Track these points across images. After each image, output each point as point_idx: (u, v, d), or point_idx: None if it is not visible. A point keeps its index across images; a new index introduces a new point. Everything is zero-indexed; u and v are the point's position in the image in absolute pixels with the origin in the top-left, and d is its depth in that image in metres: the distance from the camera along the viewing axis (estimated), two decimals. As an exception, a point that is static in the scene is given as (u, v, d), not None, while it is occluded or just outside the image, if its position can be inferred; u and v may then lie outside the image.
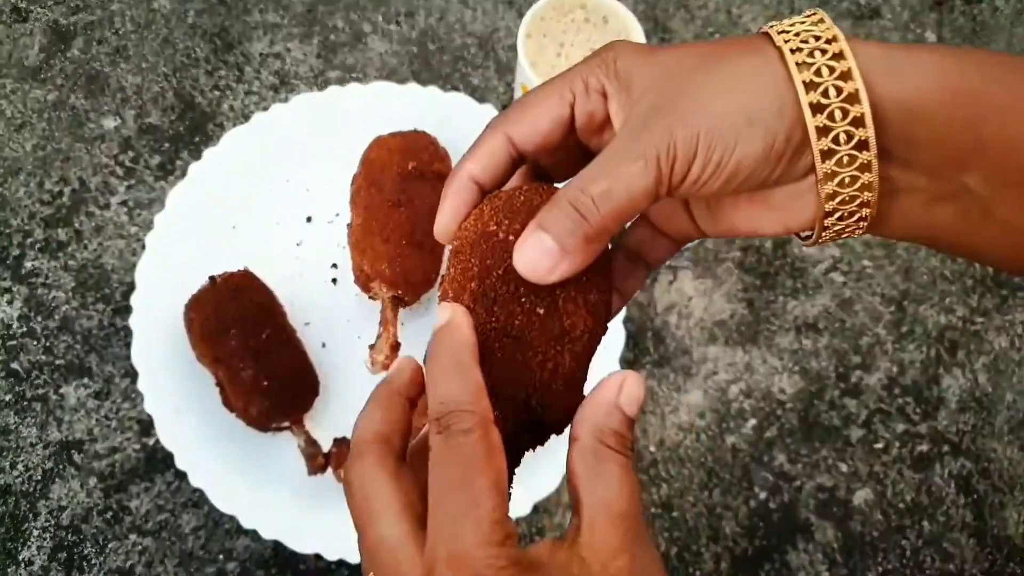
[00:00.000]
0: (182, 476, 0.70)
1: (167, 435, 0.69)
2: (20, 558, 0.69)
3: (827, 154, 0.32)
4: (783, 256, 0.81)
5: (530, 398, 0.35)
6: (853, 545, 0.74)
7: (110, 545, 0.70)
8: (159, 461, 0.72)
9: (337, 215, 0.78)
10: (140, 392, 0.70)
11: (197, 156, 0.77)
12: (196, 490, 0.69)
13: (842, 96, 0.31)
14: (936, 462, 0.76)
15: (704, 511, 0.74)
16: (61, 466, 0.72)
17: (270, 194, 0.78)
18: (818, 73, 0.31)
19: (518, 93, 0.78)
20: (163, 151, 0.81)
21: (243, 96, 0.83)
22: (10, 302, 0.76)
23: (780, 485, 0.75)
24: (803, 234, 0.37)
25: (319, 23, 0.85)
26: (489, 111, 0.79)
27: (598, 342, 0.35)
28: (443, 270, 0.74)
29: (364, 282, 0.71)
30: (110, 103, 0.82)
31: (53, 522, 0.71)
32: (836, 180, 0.32)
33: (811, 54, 0.31)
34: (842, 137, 0.31)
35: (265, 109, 0.79)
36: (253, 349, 0.67)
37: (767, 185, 0.34)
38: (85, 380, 0.74)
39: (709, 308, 0.79)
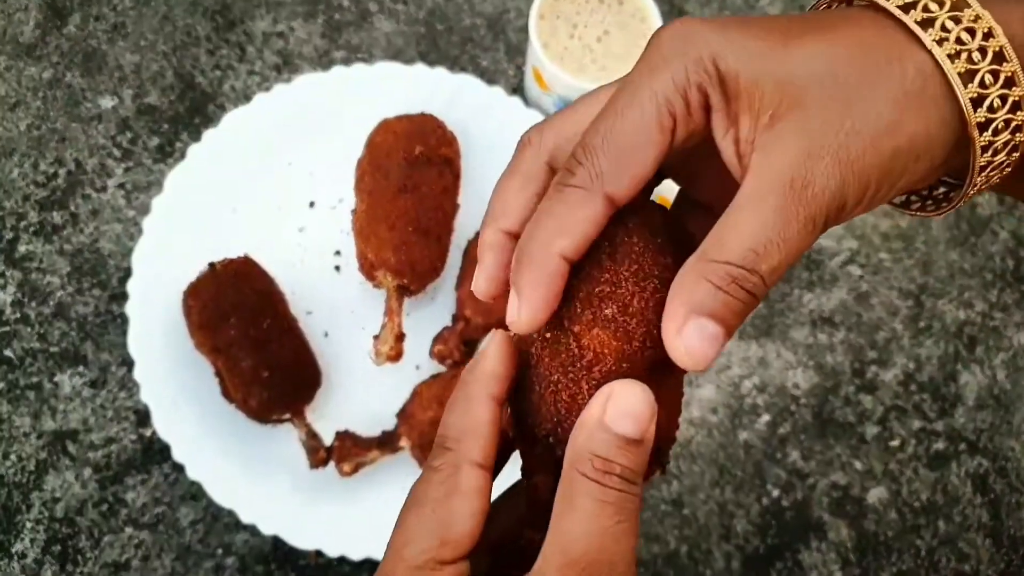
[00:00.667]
0: (179, 468, 0.68)
1: (164, 426, 0.67)
2: (13, 551, 0.68)
3: (983, 168, 0.29)
4: (799, 248, 0.79)
5: (548, 435, 0.31)
6: (867, 545, 0.72)
7: (105, 538, 0.68)
8: (156, 453, 0.70)
9: (341, 200, 0.75)
10: (136, 381, 0.68)
11: (197, 138, 0.75)
12: (194, 483, 0.67)
13: (1007, 107, 0.28)
14: (952, 460, 0.74)
15: (715, 508, 0.72)
16: (55, 457, 0.70)
17: (272, 178, 0.75)
18: (983, 84, 0.27)
19: (529, 76, 0.76)
20: (162, 132, 0.78)
21: (245, 76, 0.80)
22: (3, 287, 0.74)
23: (793, 483, 0.73)
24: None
25: (324, 1, 0.82)
26: (498, 93, 0.76)
27: (637, 364, 0.29)
28: (450, 258, 0.72)
29: (368, 270, 0.69)
30: (107, 82, 0.80)
31: (47, 514, 0.69)
32: (987, 170, 0.29)
33: (970, 58, 0.27)
34: (1000, 146, 0.28)
35: (267, 90, 0.76)
36: (253, 338, 0.65)
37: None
38: (80, 368, 0.72)
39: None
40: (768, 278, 0.27)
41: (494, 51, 0.82)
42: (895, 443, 0.75)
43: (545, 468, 0.32)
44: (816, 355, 0.76)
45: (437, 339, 0.70)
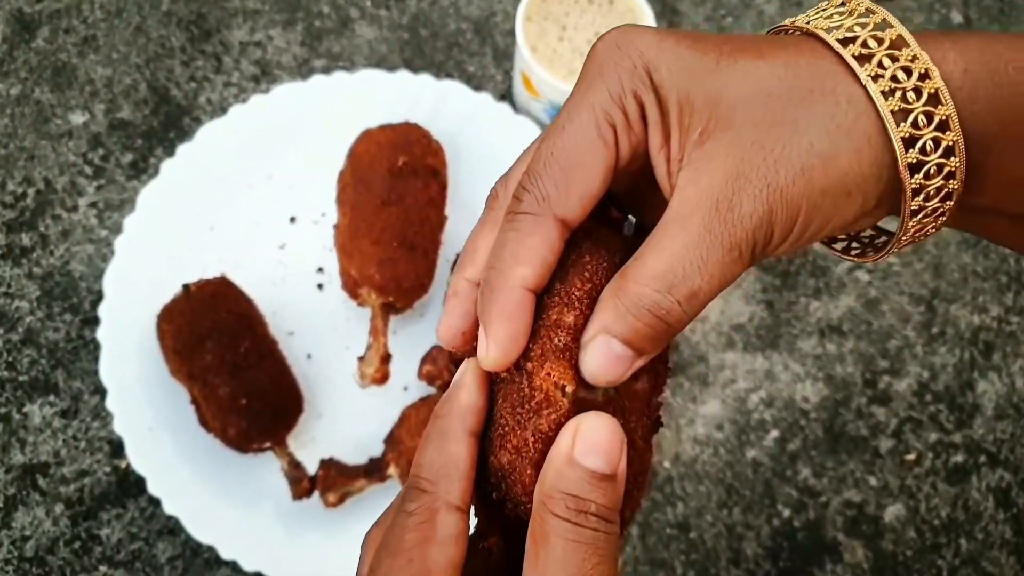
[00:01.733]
0: (156, 502, 0.64)
1: (139, 458, 0.63)
2: (-20, 593, 0.64)
3: (915, 212, 0.28)
4: (804, 254, 0.75)
5: (493, 490, 0.28)
6: (885, 565, 0.68)
7: (78, 578, 0.65)
8: (131, 485, 0.67)
9: (323, 215, 0.72)
10: (110, 411, 0.64)
11: (172, 153, 0.72)
12: (171, 517, 0.63)
13: (939, 151, 0.27)
14: (972, 474, 0.71)
15: (723, 531, 0.68)
16: (25, 492, 0.66)
17: (250, 193, 0.72)
18: (916, 125, 0.27)
19: (517, 81, 0.72)
20: (135, 148, 0.75)
21: (222, 88, 0.77)
22: (-30, 313, 0.70)
23: (805, 502, 0.69)
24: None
25: (303, 8, 0.79)
26: (486, 100, 0.73)
27: (591, 406, 0.27)
28: (438, 274, 0.69)
29: (352, 288, 0.65)
30: (78, 97, 0.76)
31: (16, 553, 0.65)
32: (921, 213, 0.28)
33: (904, 97, 0.27)
34: (932, 192, 0.28)
35: (244, 101, 0.73)
36: (231, 363, 0.61)
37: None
38: (51, 398, 0.69)
39: (726, 311, 0.73)
40: (686, 304, 0.26)
41: (481, 56, 0.79)
42: (911, 457, 0.71)
43: (498, 529, 0.29)
44: (825, 366, 0.73)
45: (426, 359, 0.66)
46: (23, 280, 0.71)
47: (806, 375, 0.72)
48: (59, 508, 0.66)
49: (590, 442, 0.26)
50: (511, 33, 0.79)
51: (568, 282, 0.27)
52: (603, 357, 0.26)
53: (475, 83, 0.78)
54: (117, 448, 0.67)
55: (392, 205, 0.65)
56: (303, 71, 0.77)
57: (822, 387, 0.72)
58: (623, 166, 0.28)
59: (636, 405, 0.28)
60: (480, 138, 0.72)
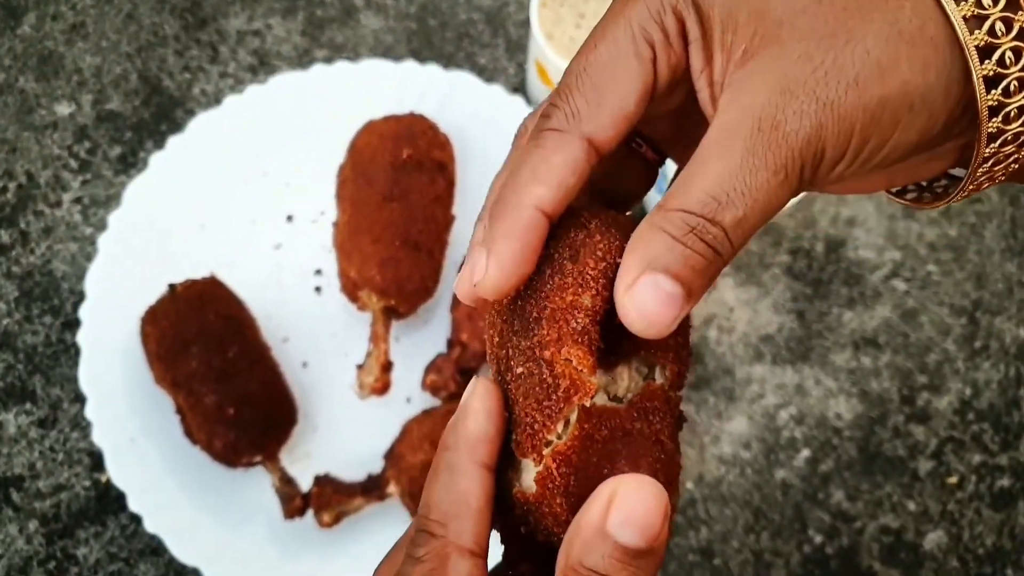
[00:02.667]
0: (137, 519, 0.59)
1: (119, 471, 0.59)
2: (-56, 618, 0.59)
3: (992, 137, 0.25)
4: (837, 261, 0.70)
5: (521, 521, 0.26)
6: (925, 598, 0.63)
7: (51, 602, 0.60)
8: (111, 501, 0.62)
9: (322, 213, 0.67)
10: (89, 420, 0.60)
11: (163, 146, 0.67)
12: (154, 536, 0.58)
13: (1021, 64, 0.24)
14: (1019, 499, 0.65)
15: (751, 558, 0.63)
16: (-4, 507, 0.62)
17: (244, 189, 0.67)
18: (993, 33, 0.24)
19: (531, 72, 0.68)
20: (124, 141, 0.71)
21: (217, 79, 0.73)
22: (-57, 314, 0.66)
23: (838, 527, 0.64)
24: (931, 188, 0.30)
25: (304, -4, 0.75)
26: (497, 92, 0.69)
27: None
28: (444, 276, 0.64)
29: (351, 290, 0.61)
30: (64, 87, 0.72)
31: (-16, 574, 0.60)
32: (999, 141, 0.25)
33: (979, 3, 0.24)
34: (1013, 113, 0.24)
35: (240, 92, 0.68)
36: (218, 370, 0.57)
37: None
38: (28, 405, 0.64)
39: (754, 321, 0.68)
40: (732, 232, 0.24)
41: (493, 48, 0.75)
42: (953, 480, 0.66)
43: (530, 556, 0.26)
44: (860, 381, 0.68)
45: (430, 368, 0.61)
46: (1, 280, 0.67)
47: (839, 390, 0.67)
48: (33, 525, 0.61)
49: (627, 511, 0.22)
50: (524, 24, 0.75)
51: (581, 262, 0.25)
52: (652, 297, 0.23)
53: (486, 76, 0.73)
54: (97, 461, 0.63)
55: (395, 201, 0.60)
56: (303, 62, 0.73)
57: (856, 403, 0.67)
58: (661, 90, 0.26)
59: (658, 404, 0.26)
60: (491, 133, 0.68)
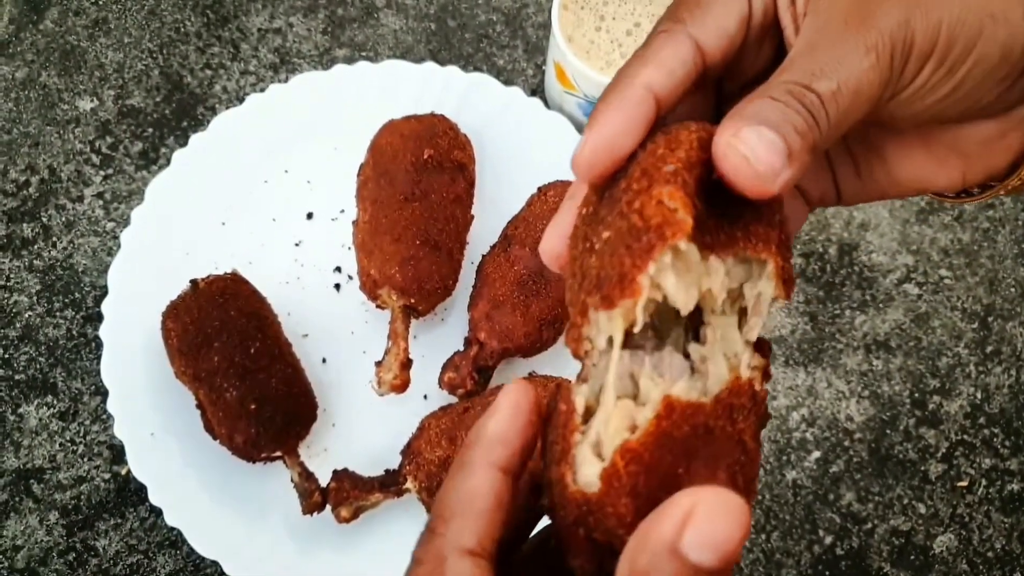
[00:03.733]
0: (157, 512, 0.60)
1: (140, 464, 0.59)
2: (-34, 606, 0.60)
3: None
4: (850, 264, 0.71)
5: (578, 521, 0.24)
6: (934, 600, 0.64)
7: (72, 592, 0.60)
8: (131, 494, 0.62)
9: (342, 211, 0.68)
10: (110, 413, 0.60)
11: (185, 143, 0.68)
12: (173, 529, 0.59)
13: None
14: (1028, 504, 0.66)
15: (761, 558, 0.64)
16: (17, 498, 0.62)
17: (265, 187, 0.68)
18: None
19: (551, 73, 0.68)
20: (145, 137, 0.71)
21: (238, 76, 0.73)
22: (-34, 307, 0.66)
23: (848, 528, 0.65)
24: (973, 191, 0.32)
25: (324, -5, 0.75)
26: (517, 94, 0.69)
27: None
28: (462, 275, 0.65)
29: (371, 288, 0.61)
30: (87, 82, 0.73)
31: (6, 564, 0.61)
32: None
33: None
34: None
35: (262, 90, 0.69)
36: (240, 366, 0.57)
37: (981, 112, 0.28)
38: (49, 398, 0.65)
39: (767, 323, 0.69)
40: (827, 102, 0.24)
41: (511, 49, 0.75)
42: (963, 483, 0.66)
43: (585, 552, 0.25)
44: (871, 384, 0.68)
45: (447, 366, 0.62)
46: (23, 273, 0.67)
47: (851, 393, 0.68)
48: (54, 516, 0.62)
49: (707, 533, 0.20)
50: (544, 26, 0.75)
51: (673, 133, 0.25)
52: (757, 143, 0.23)
53: (505, 77, 0.74)
54: (117, 453, 0.63)
55: (415, 201, 0.61)
56: (324, 61, 0.74)
57: (868, 406, 0.68)
58: (755, 27, 0.27)
59: (744, 401, 0.24)
60: (510, 135, 0.68)
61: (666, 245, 0.23)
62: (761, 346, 0.28)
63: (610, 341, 0.25)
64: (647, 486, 0.23)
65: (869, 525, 0.65)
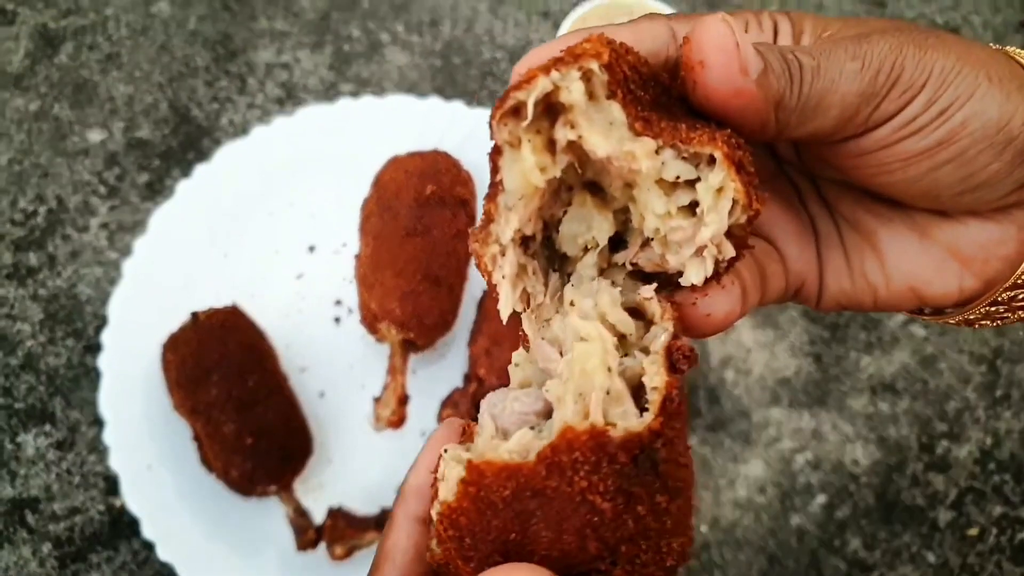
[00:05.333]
0: (150, 546, 0.59)
1: (134, 497, 0.59)
2: (-45, 639, 0.59)
3: None
4: (856, 304, 0.70)
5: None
6: (943, 652, 0.62)
7: (61, 626, 0.60)
8: (125, 526, 0.62)
9: (344, 245, 0.68)
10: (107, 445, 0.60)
11: (189, 175, 0.68)
12: (165, 564, 0.58)
13: None
14: (1040, 553, 0.64)
15: (764, 605, 0.62)
16: (11, 528, 0.62)
17: (269, 219, 0.68)
18: None
19: (554, 111, 0.68)
20: (152, 168, 0.72)
21: (245, 109, 0.74)
22: (-31, 335, 0.67)
23: (854, 575, 0.63)
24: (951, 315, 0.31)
25: (332, 32, 0.76)
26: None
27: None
28: (463, 311, 0.64)
29: (371, 322, 0.61)
30: (97, 114, 0.73)
31: (-3, 596, 0.60)
32: None
33: None
34: None
35: (267, 123, 0.70)
36: (237, 399, 0.57)
37: (974, 185, 0.27)
38: (47, 427, 0.64)
39: (771, 363, 0.68)
40: (805, 70, 0.26)
41: (516, 86, 0.76)
42: (973, 532, 0.65)
43: None
44: (877, 427, 0.67)
45: (446, 402, 0.61)
46: (27, 302, 0.68)
47: (856, 436, 0.67)
48: (47, 547, 0.62)
49: None
50: (549, 63, 0.75)
51: None
52: (742, 42, 0.24)
53: (509, 113, 0.74)
54: (112, 485, 0.63)
55: (417, 236, 0.61)
56: (330, 95, 0.74)
57: (874, 450, 0.66)
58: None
59: (585, 455, 0.23)
60: (513, 170, 0.68)
61: (576, 63, 0.24)
62: (674, 354, 0.26)
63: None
64: (476, 550, 0.23)
65: (877, 573, 0.64)
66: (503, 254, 0.26)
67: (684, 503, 0.24)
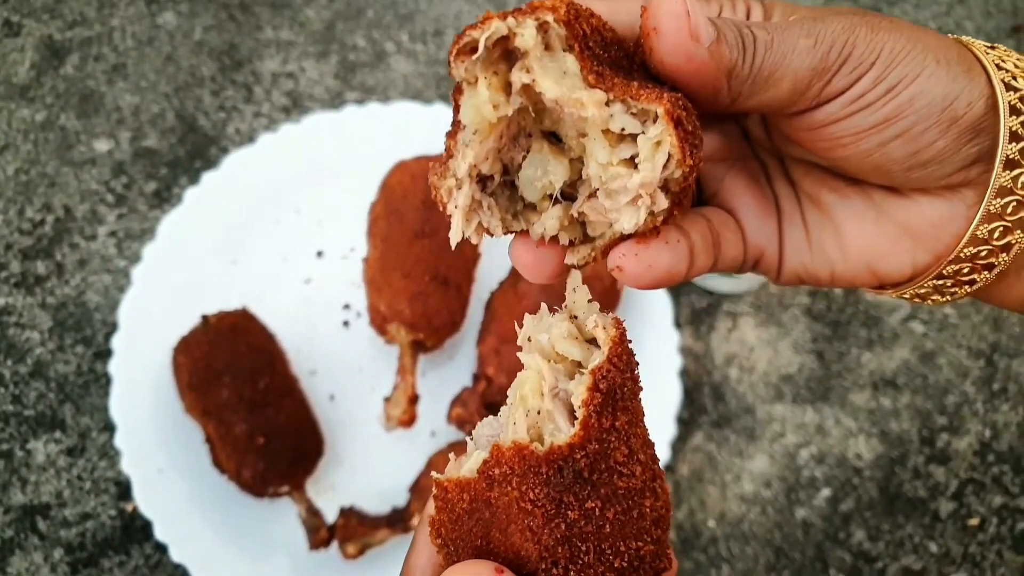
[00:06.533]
0: (163, 549, 0.59)
1: (146, 500, 0.59)
2: (-32, 645, 0.59)
3: (1010, 164, 0.28)
4: (855, 303, 0.71)
5: None
6: (949, 642, 0.63)
7: (75, 630, 0.60)
8: (137, 530, 0.62)
9: (352, 250, 0.69)
10: (118, 449, 0.60)
11: (197, 182, 0.69)
12: (179, 566, 0.59)
13: None
14: (1041, 543, 0.65)
15: (772, 598, 0.63)
16: (23, 535, 0.62)
17: (276, 225, 0.69)
18: (1014, 80, 0.28)
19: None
20: (159, 177, 0.73)
21: (251, 118, 0.75)
22: (-22, 343, 0.67)
23: (859, 567, 0.64)
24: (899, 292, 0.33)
25: (337, 41, 0.78)
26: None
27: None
28: (471, 311, 0.65)
29: (380, 324, 0.62)
30: (104, 124, 0.74)
31: (9, 602, 0.60)
32: (1007, 199, 0.28)
33: (1003, 60, 0.28)
34: (1018, 154, 0.28)
35: (274, 131, 0.71)
36: (248, 400, 0.57)
37: (922, 161, 0.29)
38: (57, 434, 0.65)
39: (774, 360, 0.69)
40: (759, 43, 0.27)
41: (518, 92, 0.77)
42: (974, 522, 0.66)
43: None
44: (879, 421, 0.68)
45: (455, 402, 0.62)
46: (35, 310, 0.68)
47: (859, 430, 0.68)
48: (58, 553, 0.62)
49: None
50: (549, 69, 0.77)
51: None
52: (694, 11, 0.26)
53: (511, 119, 0.75)
54: (124, 490, 0.63)
55: (425, 238, 0.61)
56: (336, 104, 0.75)
57: (876, 443, 0.67)
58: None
59: (513, 466, 0.26)
60: (516, 173, 0.70)
61: (533, 14, 0.25)
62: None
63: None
64: (458, 555, 0.27)
65: (880, 564, 0.64)
66: (459, 187, 0.28)
67: (628, 508, 0.26)
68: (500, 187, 0.29)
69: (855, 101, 0.27)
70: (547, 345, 0.29)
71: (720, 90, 0.27)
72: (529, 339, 0.29)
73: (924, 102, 0.27)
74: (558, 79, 0.26)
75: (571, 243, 0.29)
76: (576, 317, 0.29)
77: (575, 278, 0.30)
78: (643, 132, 0.26)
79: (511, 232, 0.29)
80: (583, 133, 0.27)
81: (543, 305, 0.30)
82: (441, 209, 0.28)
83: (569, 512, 0.26)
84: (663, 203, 0.27)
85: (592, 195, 0.28)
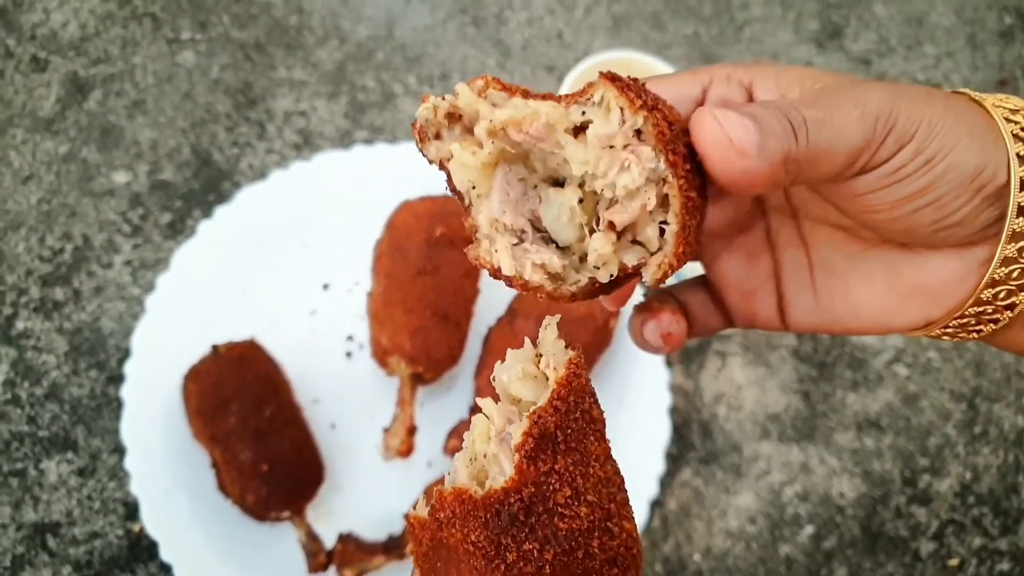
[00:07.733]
0: (167, 569, 0.62)
1: (153, 521, 0.62)
2: (-23, 658, 0.61)
3: (1016, 236, 0.30)
4: (841, 345, 0.74)
5: None
6: None
7: (80, 646, 0.62)
8: (143, 550, 0.65)
9: (357, 284, 0.72)
10: (128, 471, 0.63)
11: (210, 215, 0.72)
12: (181, 586, 0.61)
13: None
14: (1019, 584, 0.67)
15: (755, 632, 0.65)
16: (33, 552, 0.64)
17: (285, 258, 0.72)
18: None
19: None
20: (174, 209, 0.76)
21: (263, 154, 0.78)
22: (-4, 365, 0.70)
23: (841, 605, 0.66)
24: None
25: (347, 82, 0.81)
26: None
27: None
28: (469, 345, 0.68)
29: (381, 356, 0.65)
30: (123, 157, 0.78)
31: (18, 617, 0.63)
32: (1018, 245, 0.30)
33: (1014, 115, 0.30)
34: None
35: (286, 168, 0.74)
36: (254, 428, 0.60)
37: (950, 235, 0.30)
38: (69, 455, 0.67)
39: (761, 399, 0.71)
40: (810, 122, 0.28)
41: (520, 134, 0.80)
42: (954, 562, 0.68)
43: None
44: (863, 461, 0.70)
45: (452, 433, 0.65)
46: (52, 334, 0.71)
47: (842, 470, 0.70)
48: (67, 570, 0.64)
49: None
50: (551, 113, 0.80)
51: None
52: (734, 125, 0.27)
53: (513, 160, 0.78)
54: (132, 511, 0.66)
55: (427, 275, 0.64)
56: (345, 142, 0.79)
57: (859, 483, 0.69)
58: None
59: (454, 509, 0.27)
60: (517, 213, 0.72)
61: (463, 84, 0.28)
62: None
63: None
64: None
65: (861, 602, 0.66)
66: (492, 240, 0.29)
67: (570, 549, 0.27)
68: (547, 246, 0.30)
69: (895, 172, 0.29)
70: (508, 385, 0.30)
71: (778, 180, 0.28)
72: (493, 379, 0.30)
73: (957, 173, 0.29)
74: (509, 108, 0.28)
75: (637, 266, 0.30)
76: (541, 356, 0.30)
77: (551, 317, 0.31)
78: (595, 119, 0.28)
79: (579, 284, 0.30)
80: (567, 159, 0.28)
81: (526, 341, 0.31)
82: (490, 272, 0.29)
83: (508, 554, 0.27)
84: (650, 157, 0.27)
85: (612, 203, 0.29)
